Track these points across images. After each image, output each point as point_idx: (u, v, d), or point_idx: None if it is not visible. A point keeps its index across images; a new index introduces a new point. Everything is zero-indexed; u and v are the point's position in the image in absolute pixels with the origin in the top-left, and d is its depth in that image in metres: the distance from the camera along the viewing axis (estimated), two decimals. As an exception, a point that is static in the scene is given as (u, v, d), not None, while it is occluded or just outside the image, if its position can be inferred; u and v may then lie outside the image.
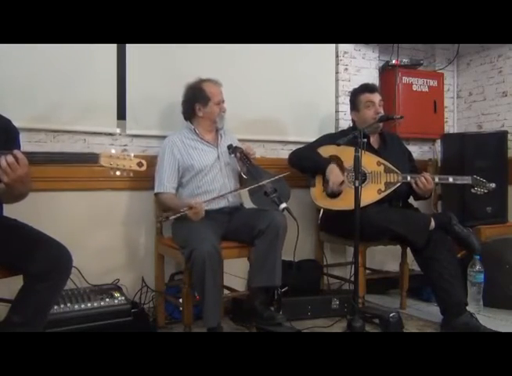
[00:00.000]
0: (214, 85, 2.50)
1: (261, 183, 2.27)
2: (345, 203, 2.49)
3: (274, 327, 2.24)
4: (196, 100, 2.48)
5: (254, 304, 2.28)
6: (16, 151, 1.57)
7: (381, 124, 2.70)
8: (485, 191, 2.56)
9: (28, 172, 1.59)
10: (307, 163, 2.69)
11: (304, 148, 2.80)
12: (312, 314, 2.64)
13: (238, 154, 2.43)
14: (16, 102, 2.32)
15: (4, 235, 1.73)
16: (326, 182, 2.61)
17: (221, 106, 2.51)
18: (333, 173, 2.56)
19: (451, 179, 2.61)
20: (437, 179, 2.60)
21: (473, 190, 2.57)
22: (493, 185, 2.56)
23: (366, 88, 2.75)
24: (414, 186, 2.55)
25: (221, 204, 2.45)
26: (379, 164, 2.61)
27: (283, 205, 2.23)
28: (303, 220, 2.90)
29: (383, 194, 2.57)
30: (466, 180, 2.58)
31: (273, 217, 2.26)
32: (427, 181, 2.53)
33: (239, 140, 2.68)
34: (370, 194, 2.54)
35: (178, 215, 2.21)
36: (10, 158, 1.55)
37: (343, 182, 2.55)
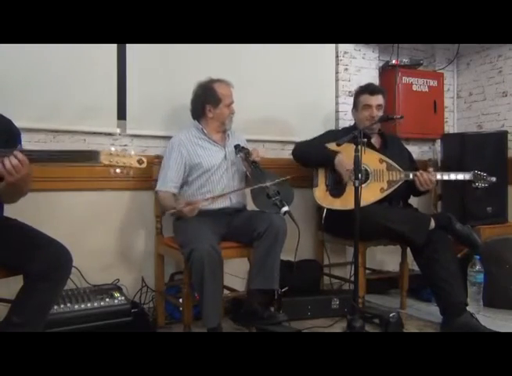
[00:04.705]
0: (225, 86, 2.48)
1: (263, 184, 2.26)
2: (348, 202, 2.45)
3: (274, 327, 2.24)
4: (207, 101, 2.46)
5: (254, 305, 2.28)
6: (16, 152, 1.57)
7: (377, 125, 2.70)
8: (486, 185, 2.56)
9: (30, 171, 1.61)
10: (314, 155, 2.66)
11: (309, 141, 2.77)
12: (312, 314, 2.64)
13: (243, 155, 2.42)
14: (16, 102, 2.32)
15: (4, 235, 1.73)
16: (330, 176, 2.60)
17: (231, 108, 2.49)
18: (344, 162, 2.53)
19: (452, 175, 2.61)
20: (438, 176, 2.60)
21: (474, 185, 2.57)
22: (494, 178, 2.57)
23: (367, 89, 2.74)
24: (417, 183, 2.54)
25: (223, 204, 2.44)
26: (381, 161, 2.60)
27: (285, 209, 2.20)
28: (303, 220, 2.91)
29: (385, 193, 2.57)
30: (467, 175, 2.58)
31: (272, 220, 2.24)
32: (430, 180, 2.53)
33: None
34: (373, 193, 2.54)
35: (174, 211, 2.25)
36: (14, 160, 1.56)
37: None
